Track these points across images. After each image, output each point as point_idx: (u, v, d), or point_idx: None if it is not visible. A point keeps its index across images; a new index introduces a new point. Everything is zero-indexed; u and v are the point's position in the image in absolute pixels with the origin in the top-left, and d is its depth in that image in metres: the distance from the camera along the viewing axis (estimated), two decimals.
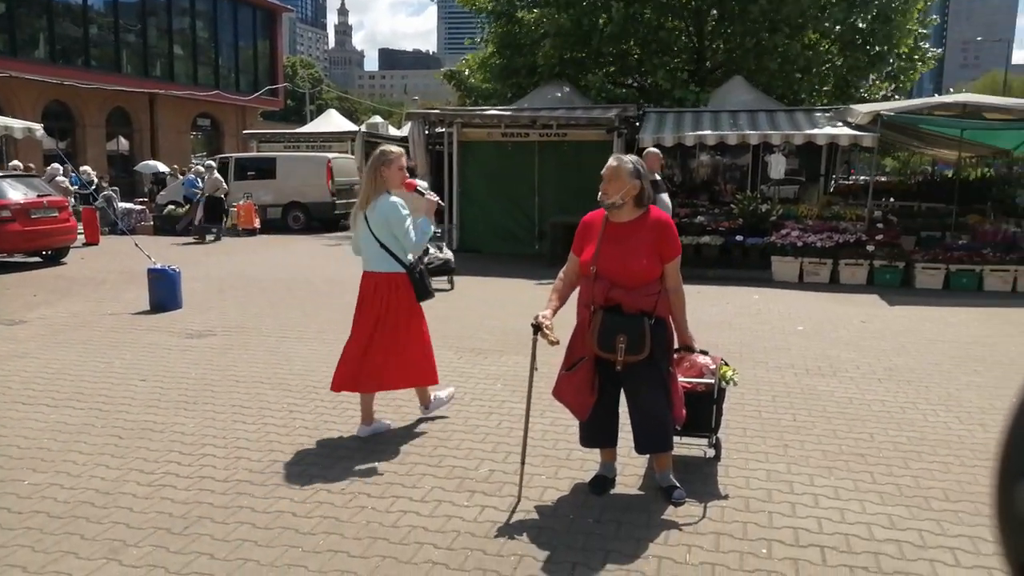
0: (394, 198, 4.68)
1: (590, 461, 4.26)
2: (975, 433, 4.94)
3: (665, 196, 9.00)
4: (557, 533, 3.54)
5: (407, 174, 4.82)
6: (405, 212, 4.66)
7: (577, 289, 3.94)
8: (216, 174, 17.47)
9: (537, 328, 3.77)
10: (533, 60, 19.24)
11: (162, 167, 25.18)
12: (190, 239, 16.70)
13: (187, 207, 18.28)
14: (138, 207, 20.12)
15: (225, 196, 17.62)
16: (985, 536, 3.53)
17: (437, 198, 4.91)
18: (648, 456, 4.16)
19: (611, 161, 3.80)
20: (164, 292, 8.92)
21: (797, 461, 4.44)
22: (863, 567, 3.25)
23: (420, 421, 5.08)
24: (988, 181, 16.68)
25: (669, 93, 17.60)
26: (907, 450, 4.63)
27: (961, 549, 3.41)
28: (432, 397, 5.12)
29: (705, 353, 4.38)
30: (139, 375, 6.20)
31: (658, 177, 9.00)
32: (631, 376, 3.74)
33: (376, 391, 4.88)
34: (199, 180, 19.39)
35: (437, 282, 10.01)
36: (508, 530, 3.56)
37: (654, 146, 11.22)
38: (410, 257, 4.80)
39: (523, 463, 4.00)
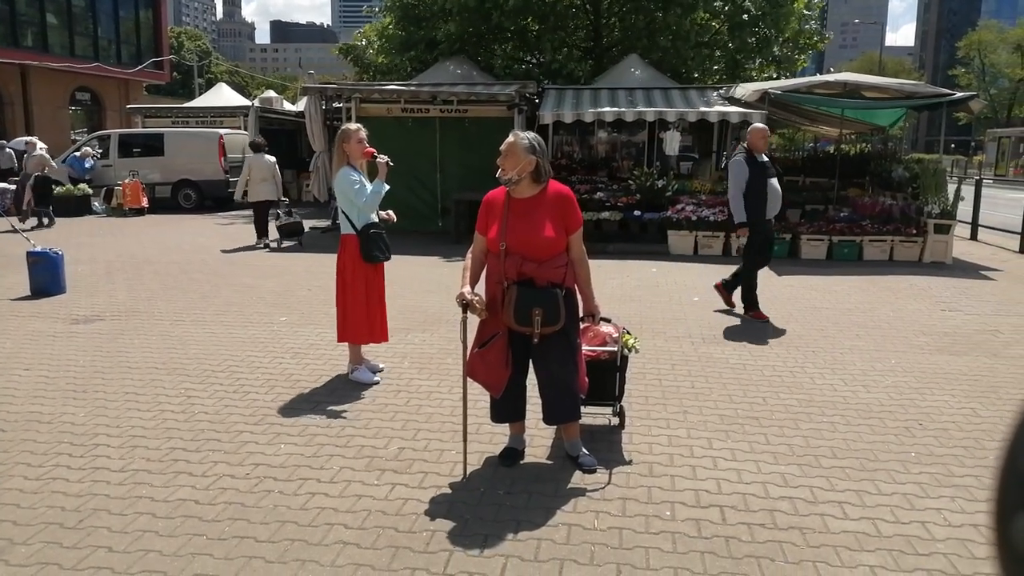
0: (345, 168, 5.27)
1: (499, 434, 4.31)
2: (859, 394, 5.26)
3: (775, 182, 7.33)
4: (469, 506, 3.57)
5: (366, 144, 5.34)
6: (354, 178, 5.25)
7: (486, 267, 3.96)
8: (39, 150, 15.86)
9: (466, 305, 3.77)
10: (433, 34, 18.99)
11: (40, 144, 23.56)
12: (30, 224, 15.04)
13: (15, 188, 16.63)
14: (12, 186, 18.80)
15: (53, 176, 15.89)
16: (870, 490, 3.78)
17: (387, 159, 5.39)
18: (556, 427, 4.25)
19: (508, 137, 3.86)
20: (46, 276, 8.42)
21: (696, 426, 4.62)
22: (760, 524, 3.43)
23: (325, 402, 5.01)
24: (866, 157, 17.60)
25: (565, 72, 17.74)
26: (797, 412, 4.89)
27: (848, 503, 3.64)
28: (361, 364, 5.52)
29: (608, 321, 4.52)
30: (22, 364, 5.84)
31: (765, 158, 7.35)
32: (543, 348, 3.81)
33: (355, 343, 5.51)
34: (87, 160, 18.30)
35: (288, 243, 12.59)
36: (419, 506, 3.57)
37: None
38: (374, 218, 5.40)
39: (465, 439, 4.00)
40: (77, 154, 18.45)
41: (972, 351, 6.42)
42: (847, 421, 4.74)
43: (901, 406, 5.03)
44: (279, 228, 12.55)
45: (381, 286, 5.58)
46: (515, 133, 3.88)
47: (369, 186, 5.31)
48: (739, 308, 7.73)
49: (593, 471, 3.94)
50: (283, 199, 13.01)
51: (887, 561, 3.13)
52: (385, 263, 5.53)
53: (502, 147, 3.82)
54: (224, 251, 11.90)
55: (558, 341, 3.82)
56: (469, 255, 4.00)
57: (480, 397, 4.41)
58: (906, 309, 7.98)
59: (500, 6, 17.71)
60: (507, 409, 4.06)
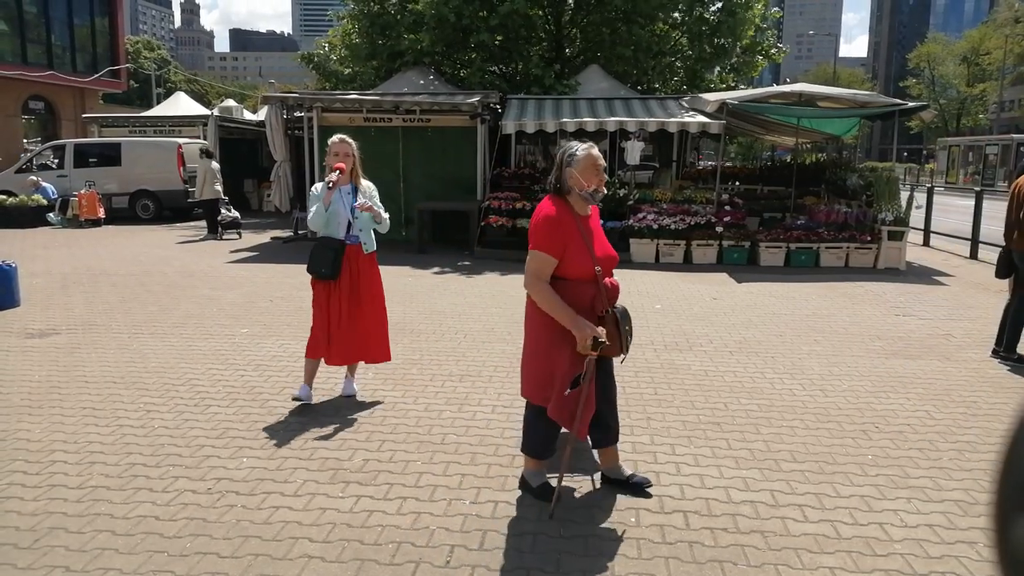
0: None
1: (464, 444, 4.30)
2: (817, 398, 5.36)
3: None
4: (434, 517, 3.56)
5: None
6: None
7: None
8: None
9: (598, 344, 3.37)
10: (400, 46, 18.90)
11: None
12: None
13: None
14: None
15: None
16: (829, 492, 3.85)
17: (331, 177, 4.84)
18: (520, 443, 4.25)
19: (596, 152, 3.58)
20: None
21: (659, 432, 4.67)
22: (723, 528, 3.47)
23: (288, 415, 4.96)
24: (822, 165, 17.97)
25: (539, 79, 17.79)
26: (758, 417, 4.97)
27: (808, 506, 3.71)
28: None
29: None
30: None
31: None
32: (608, 367, 3.73)
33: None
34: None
35: (229, 235, 15.18)
36: (385, 518, 3.55)
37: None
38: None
39: (561, 480, 3.85)
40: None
41: (925, 355, 6.58)
42: (806, 425, 4.83)
43: (858, 409, 5.13)
44: (220, 222, 15.05)
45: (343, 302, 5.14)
46: (590, 145, 3.60)
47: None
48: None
49: (650, 486, 3.85)
50: (223, 197, 15.62)
51: (846, 562, 3.20)
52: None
53: (592, 163, 3.52)
54: (179, 243, 14.18)
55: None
56: (548, 287, 3.46)
57: (444, 408, 4.41)
58: (862, 314, 8.16)
59: (481, 22, 17.67)
60: (556, 442, 3.84)
